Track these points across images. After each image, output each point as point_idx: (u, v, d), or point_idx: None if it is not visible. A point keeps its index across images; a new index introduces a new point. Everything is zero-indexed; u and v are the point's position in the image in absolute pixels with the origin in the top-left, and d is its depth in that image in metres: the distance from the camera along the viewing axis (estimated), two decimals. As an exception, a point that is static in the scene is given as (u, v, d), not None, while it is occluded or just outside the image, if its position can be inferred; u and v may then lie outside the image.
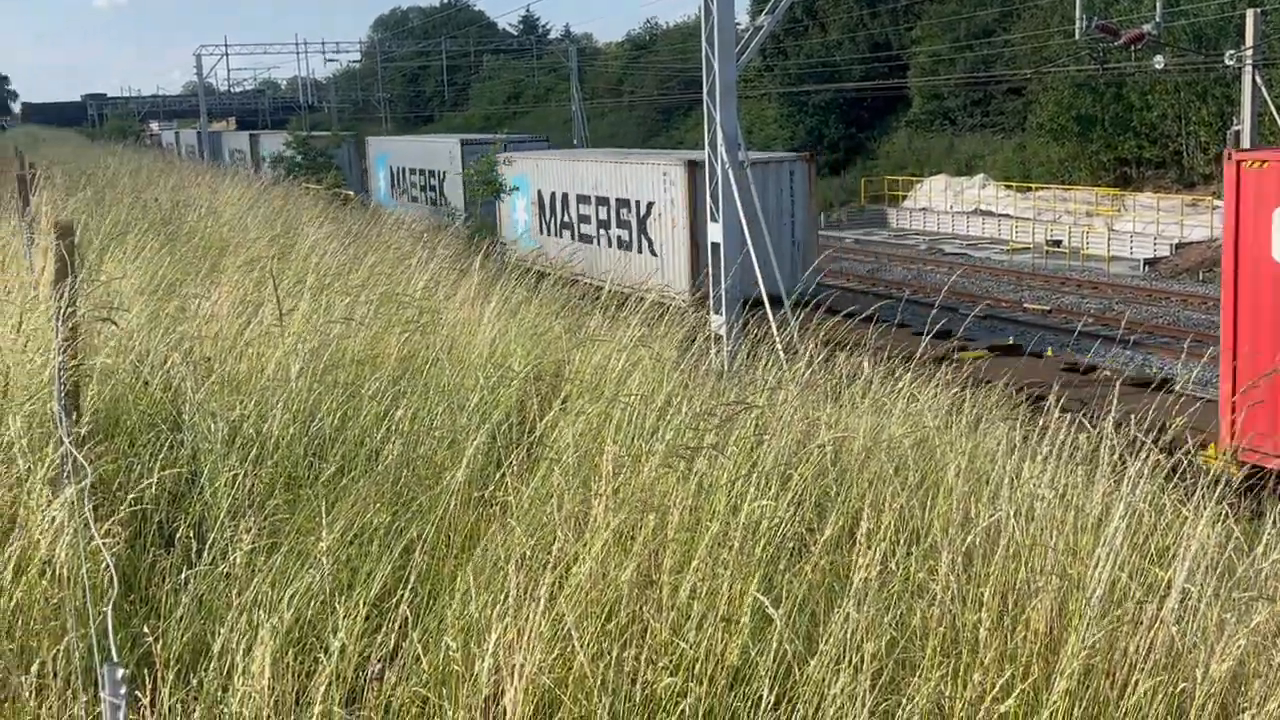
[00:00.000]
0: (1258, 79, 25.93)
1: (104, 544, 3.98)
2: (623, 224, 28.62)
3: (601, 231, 29.61)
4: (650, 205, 27.25)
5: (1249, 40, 26.47)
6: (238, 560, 4.74)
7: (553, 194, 32.25)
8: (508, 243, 27.66)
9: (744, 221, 19.15)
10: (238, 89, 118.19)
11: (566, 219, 31.47)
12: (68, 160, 32.81)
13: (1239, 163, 14.11)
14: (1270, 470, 12.77)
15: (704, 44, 19.25)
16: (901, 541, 5.28)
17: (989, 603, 4.73)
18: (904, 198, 54.21)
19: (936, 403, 8.20)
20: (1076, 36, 29.47)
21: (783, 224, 25.36)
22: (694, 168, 24.91)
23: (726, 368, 9.78)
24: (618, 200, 28.70)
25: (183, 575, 4.79)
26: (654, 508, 5.13)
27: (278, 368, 6.93)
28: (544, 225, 32.47)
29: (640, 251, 27.70)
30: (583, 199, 30.42)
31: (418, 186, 43.72)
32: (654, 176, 27.02)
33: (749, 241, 19.21)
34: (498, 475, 5.83)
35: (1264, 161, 13.87)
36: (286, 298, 8.06)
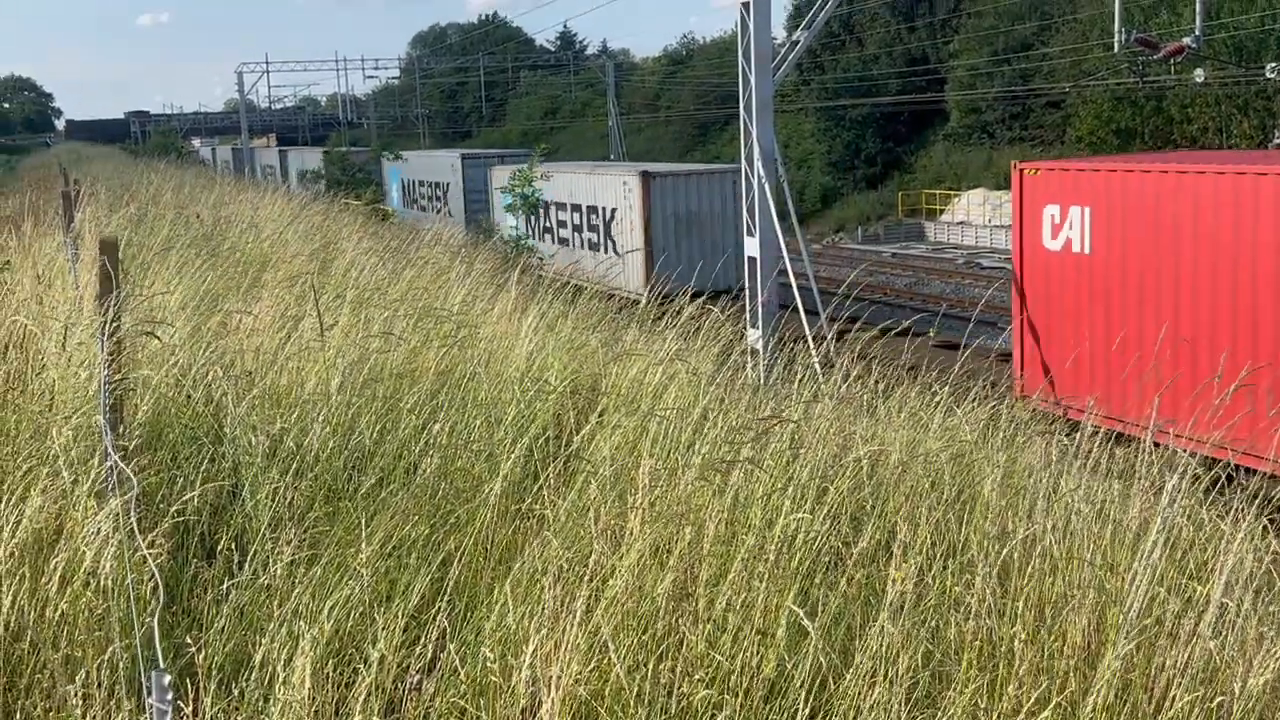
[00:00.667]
0: (1299, 91, 25.77)
1: (148, 555, 4.04)
2: (592, 228, 32.19)
3: (576, 235, 33.22)
4: (614, 211, 30.63)
5: (1290, 52, 26.25)
6: (278, 572, 4.79)
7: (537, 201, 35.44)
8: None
9: (779, 233, 19.17)
10: (278, 106, 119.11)
11: (548, 224, 35.01)
12: (110, 176, 33.17)
13: (1022, 170, 18.10)
14: (1051, 414, 14.25)
15: (741, 59, 19.29)
16: (937, 555, 5.28)
17: (1025, 616, 4.73)
18: (941, 211, 53.96)
19: (973, 416, 8.18)
20: (1116, 50, 29.24)
21: (726, 228, 28.38)
22: (648, 178, 29.21)
23: (762, 382, 9.79)
24: (588, 207, 32.26)
25: (224, 586, 4.85)
26: (690, 521, 5.15)
27: (318, 382, 6.99)
28: (530, 230, 35.35)
29: (606, 252, 31.09)
30: (559, 206, 34.02)
31: (426, 197, 48.26)
32: (616, 186, 30.45)
33: (782, 250, 19.22)
34: (535, 488, 5.87)
35: (1037, 169, 18.03)
36: (326, 312, 8.13)
